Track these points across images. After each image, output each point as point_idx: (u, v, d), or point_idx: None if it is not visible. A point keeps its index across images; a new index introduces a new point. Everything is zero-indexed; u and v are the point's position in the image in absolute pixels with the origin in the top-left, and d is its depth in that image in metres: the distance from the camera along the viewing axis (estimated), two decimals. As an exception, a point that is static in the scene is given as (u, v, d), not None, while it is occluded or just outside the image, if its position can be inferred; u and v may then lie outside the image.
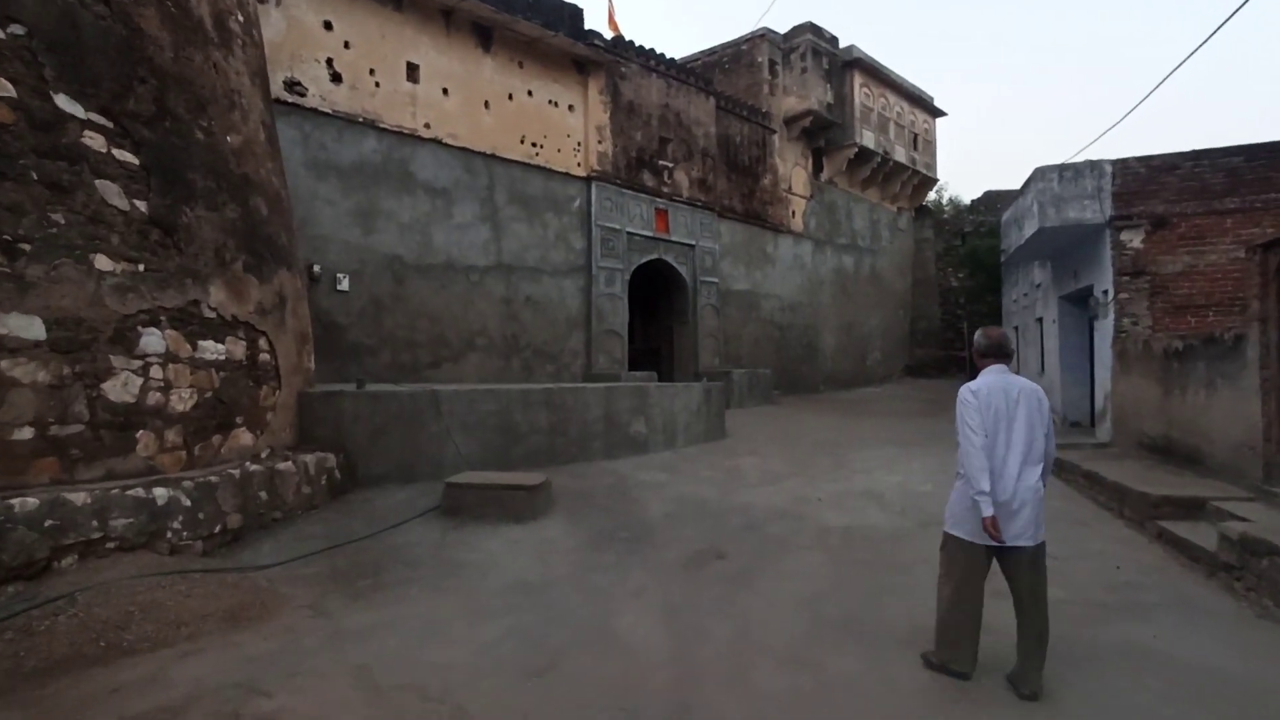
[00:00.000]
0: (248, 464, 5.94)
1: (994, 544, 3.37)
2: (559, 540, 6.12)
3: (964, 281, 25.42)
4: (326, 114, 11.11)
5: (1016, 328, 16.43)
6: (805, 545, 5.94)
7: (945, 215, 27.84)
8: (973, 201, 27.31)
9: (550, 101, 14.36)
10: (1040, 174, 9.70)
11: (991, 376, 3.55)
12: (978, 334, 3.81)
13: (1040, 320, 13.72)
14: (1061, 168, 9.66)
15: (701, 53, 21.42)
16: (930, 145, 25.61)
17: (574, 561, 5.58)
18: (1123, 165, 9.47)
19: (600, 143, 15.13)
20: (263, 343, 6.52)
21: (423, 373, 12.07)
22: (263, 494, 5.91)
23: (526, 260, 13.85)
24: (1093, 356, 11.94)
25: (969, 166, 66.32)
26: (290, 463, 6.36)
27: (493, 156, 13.30)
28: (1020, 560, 3.40)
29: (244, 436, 6.18)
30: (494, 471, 7.67)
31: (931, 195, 27.68)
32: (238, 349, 6.13)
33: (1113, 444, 9.38)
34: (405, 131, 12.05)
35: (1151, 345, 8.07)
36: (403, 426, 7.88)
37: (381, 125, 11.74)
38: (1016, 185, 31.56)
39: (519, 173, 13.78)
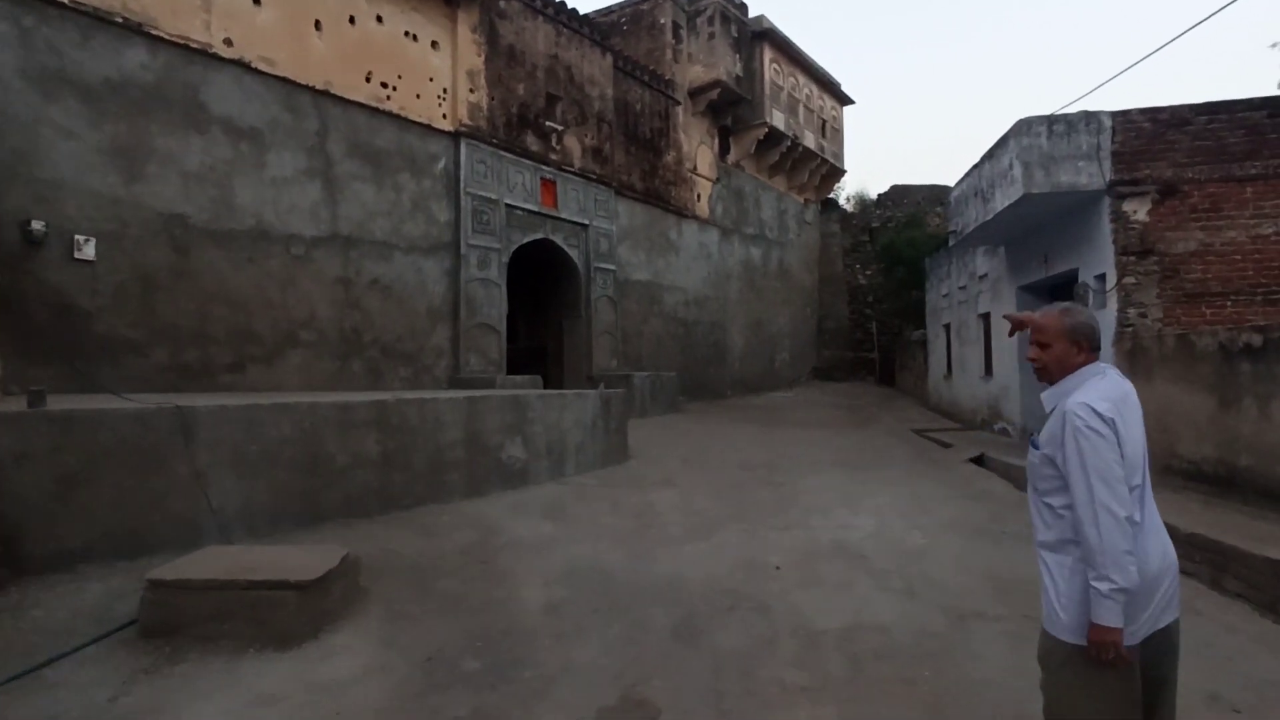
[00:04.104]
0: None
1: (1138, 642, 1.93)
2: (351, 690, 3.34)
3: (874, 279, 24.08)
4: (63, 5, 7.70)
5: (948, 325, 14.84)
6: (790, 680, 3.44)
7: (850, 209, 26.55)
8: (879, 196, 26.14)
9: (407, 34, 11.35)
10: (1024, 126, 7.73)
11: (1108, 383, 2.03)
12: (1077, 314, 2.12)
13: (985, 316, 12.02)
14: (1051, 119, 7.73)
15: (597, 12, 18.81)
16: (838, 134, 24.18)
17: (363, 758, 2.83)
18: (1124, 119, 7.65)
19: (472, 92, 12.24)
20: None
21: (219, 378, 8.82)
22: None
23: (373, 232, 10.77)
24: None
25: (870, 162, 67.19)
26: None
27: (326, 94, 10.16)
28: (1162, 642, 2.00)
29: None
30: (264, 546, 4.79)
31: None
32: None
33: (1114, 466, 7.52)
34: (194, 46, 8.75)
35: (1194, 341, 6.17)
36: (122, 468, 4.86)
37: (156, 33, 8.41)
38: (922, 180, 30.84)
39: (363, 119, 10.69)
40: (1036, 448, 2.11)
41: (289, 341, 9.63)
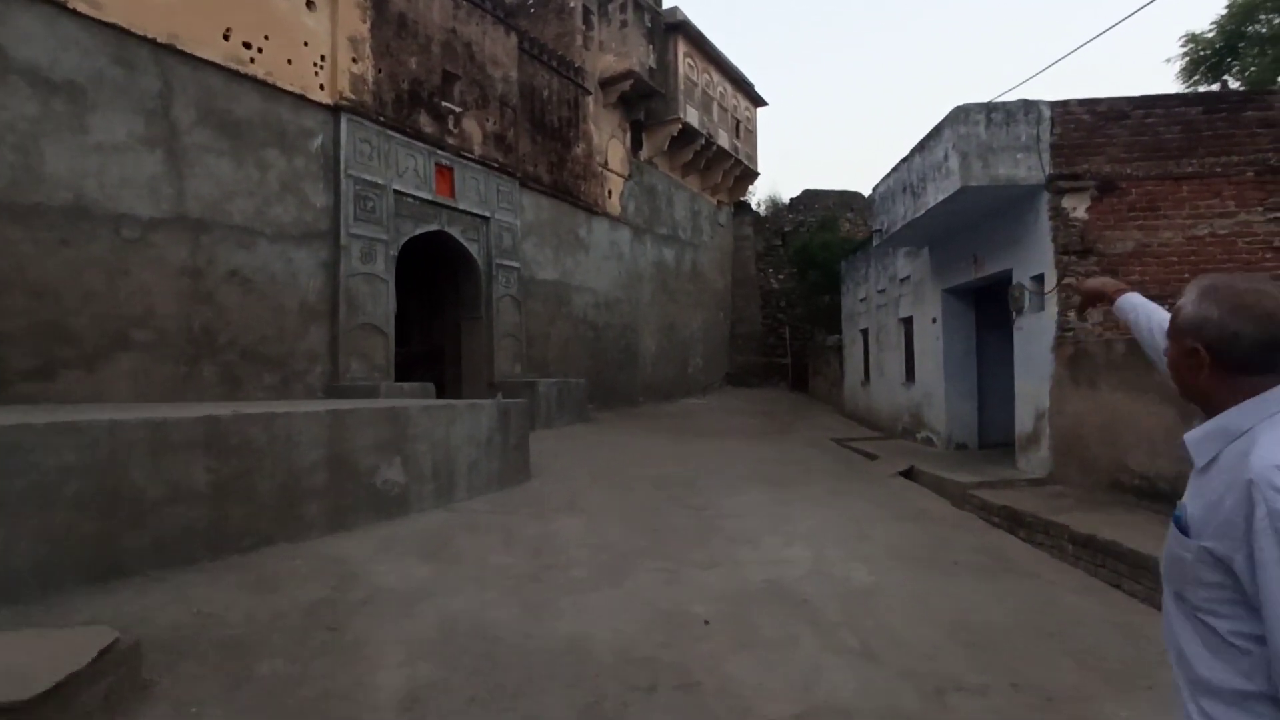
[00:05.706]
0: None
1: None
2: None
3: (786, 283, 23.78)
4: None
5: (865, 330, 14.43)
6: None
7: (763, 213, 26.24)
8: (792, 200, 25.95)
9: (276, -12, 9.86)
10: (961, 114, 7.15)
11: None
12: (1221, 296, 1.15)
13: (907, 320, 11.57)
14: (989, 107, 7.18)
15: (501, -8, 17.56)
16: (752, 135, 23.79)
17: None
18: (1063, 109, 7.18)
19: (356, 62, 10.83)
20: None
21: (15, 386, 7.14)
22: None
23: (230, 214, 9.22)
24: (981, 362, 9.85)
25: (782, 166, 68.12)
26: None
27: (171, 49, 8.58)
28: None
29: None
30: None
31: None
32: None
33: (1055, 479, 7.03)
34: (-14, -25, 7.09)
35: (1153, 348, 5.64)
36: None
37: (-69, -46, 6.72)
38: (831, 186, 30.94)
39: (219, 83, 9.14)
40: (1185, 533, 1.17)
41: (118, 343, 8.00)
